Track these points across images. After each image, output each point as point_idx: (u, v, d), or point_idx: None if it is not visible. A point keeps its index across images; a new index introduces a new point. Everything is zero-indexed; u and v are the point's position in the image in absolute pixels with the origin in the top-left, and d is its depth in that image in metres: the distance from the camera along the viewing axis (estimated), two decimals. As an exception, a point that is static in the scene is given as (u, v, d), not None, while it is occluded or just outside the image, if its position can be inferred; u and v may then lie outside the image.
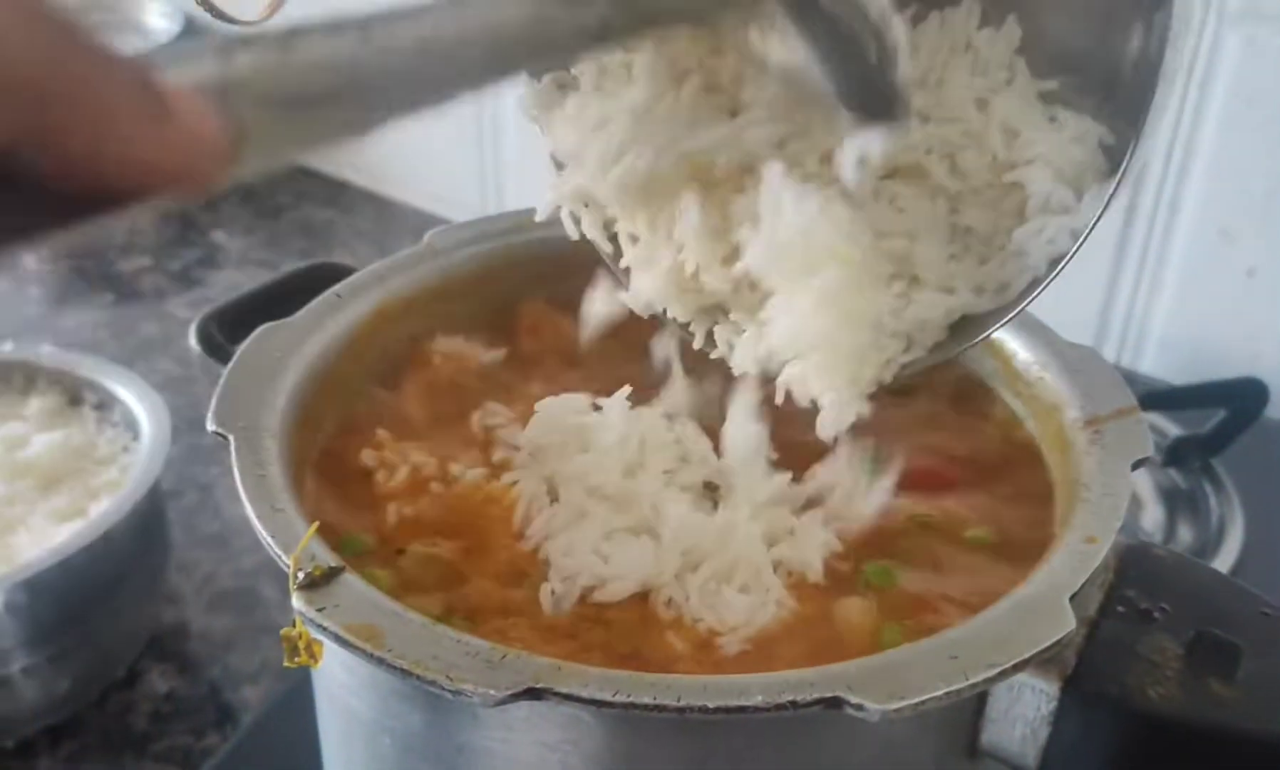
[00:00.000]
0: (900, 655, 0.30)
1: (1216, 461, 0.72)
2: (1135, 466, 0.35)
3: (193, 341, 0.42)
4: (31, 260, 1.19)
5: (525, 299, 0.46)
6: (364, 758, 0.36)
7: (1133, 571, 0.34)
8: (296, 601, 0.30)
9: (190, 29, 1.32)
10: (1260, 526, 0.68)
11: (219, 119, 0.25)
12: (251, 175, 0.26)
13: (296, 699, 0.40)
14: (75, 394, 0.76)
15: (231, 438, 0.35)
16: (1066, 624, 0.30)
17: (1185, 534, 0.69)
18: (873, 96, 0.34)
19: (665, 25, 0.34)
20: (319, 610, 0.30)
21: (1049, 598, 0.31)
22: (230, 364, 0.38)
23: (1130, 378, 0.82)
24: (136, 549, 0.66)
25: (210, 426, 0.35)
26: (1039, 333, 0.42)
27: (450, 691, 0.28)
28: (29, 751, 0.64)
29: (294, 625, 0.31)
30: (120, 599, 0.65)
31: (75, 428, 0.74)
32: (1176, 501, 0.71)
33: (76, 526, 0.63)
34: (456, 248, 0.46)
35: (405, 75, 0.28)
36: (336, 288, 0.42)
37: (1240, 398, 0.71)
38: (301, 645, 0.31)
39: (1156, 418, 0.75)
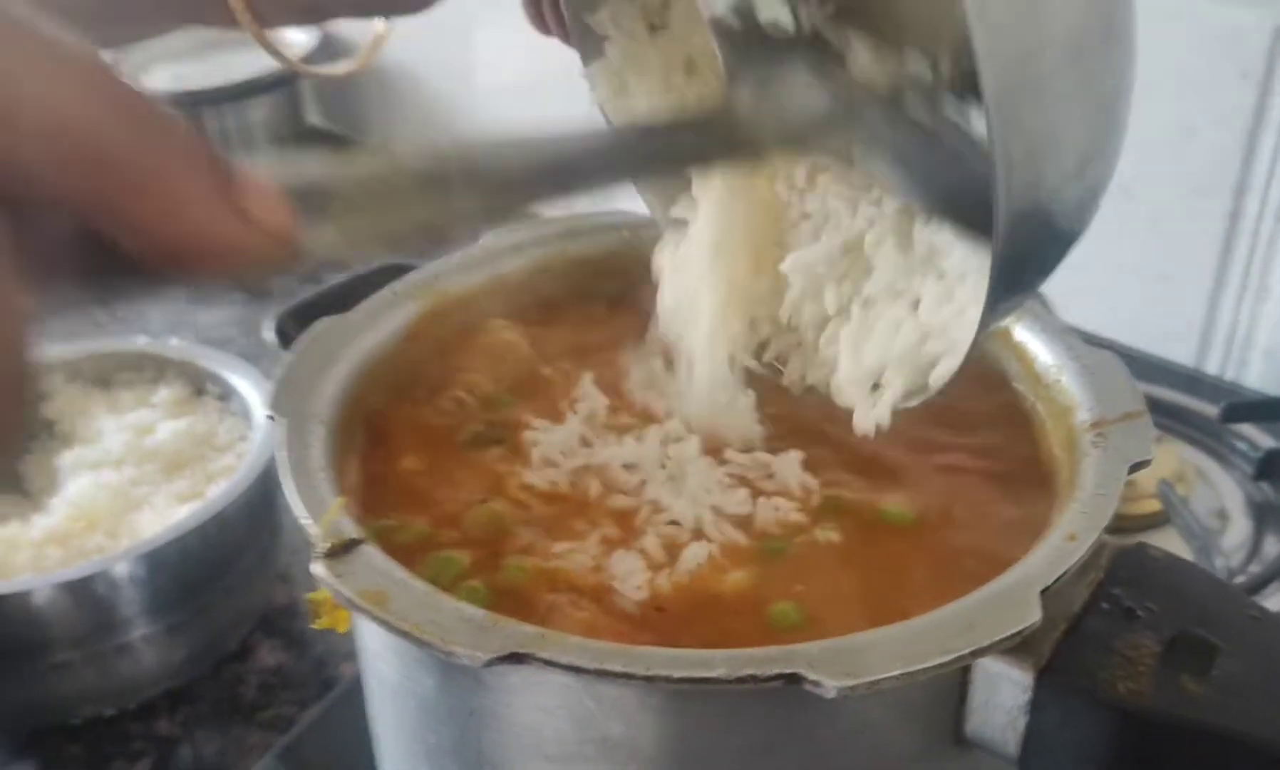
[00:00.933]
0: (865, 638, 0.31)
1: (1312, 476, 0.70)
2: (1133, 469, 0.36)
3: (270, 335, 0.46)
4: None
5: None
6: (394, 719, 0.39)
7: (1124, 572, 0.35)
8: (315, 567, 0.33)
9: (327, 43, 1.40)
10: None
11: (287, 207, 0.28)
12: (323, 259, 0.31)
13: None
14: (199, 385, 0.82)
15: (279, 423, 0.39)
16: (1032, 615, 0.31)
17: (1272, 548, 0.67)
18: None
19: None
20: (336, 576, 0.33)
21: (1019, 590, 0.32)
22: (288, 355, 0.42)
23: (1234, 390, 0.81)
24: (248, 529, 0.72)
25: (267, 410, 0.39)
26: (1061, 337, 0.42)
27: (443, 652, 0.31)
28: (149, 714, 0.70)
29: (319, 589, 0.35)
30: (233, 576, 0.71)
31: (198, 416, 0.80)
32: (1266, 515, 0.70)
33: (194, 507, 0.69)
34: (510, 250, 0.49)
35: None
36: (393, 285, 0.46)
37: (1335, 410, 0.69)
38: (325, 609, 0.35)
39: (1247, 429, 0.74)
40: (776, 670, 0.30)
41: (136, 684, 0.69)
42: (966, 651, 0.30)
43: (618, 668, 0.30)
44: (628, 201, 0.44)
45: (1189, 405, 0.76)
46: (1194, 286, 0.85)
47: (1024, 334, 0.44)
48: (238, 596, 0.72)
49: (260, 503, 0.73)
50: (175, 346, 0.83)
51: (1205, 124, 0.80)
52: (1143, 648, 0.33)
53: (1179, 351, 0.87)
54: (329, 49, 1.41)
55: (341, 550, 0.34)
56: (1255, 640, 0.33)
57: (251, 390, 0.77)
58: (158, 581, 0.66)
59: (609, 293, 0.49)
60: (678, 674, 0.30)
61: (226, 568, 0.70)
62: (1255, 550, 0.67)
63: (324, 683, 0.72)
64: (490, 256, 0.49)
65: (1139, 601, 0.34)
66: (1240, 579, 0.64)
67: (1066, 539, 0.34)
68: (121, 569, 0.64)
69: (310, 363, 0.42)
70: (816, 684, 0.30)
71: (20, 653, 0.64)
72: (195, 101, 1.34)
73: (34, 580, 0.64)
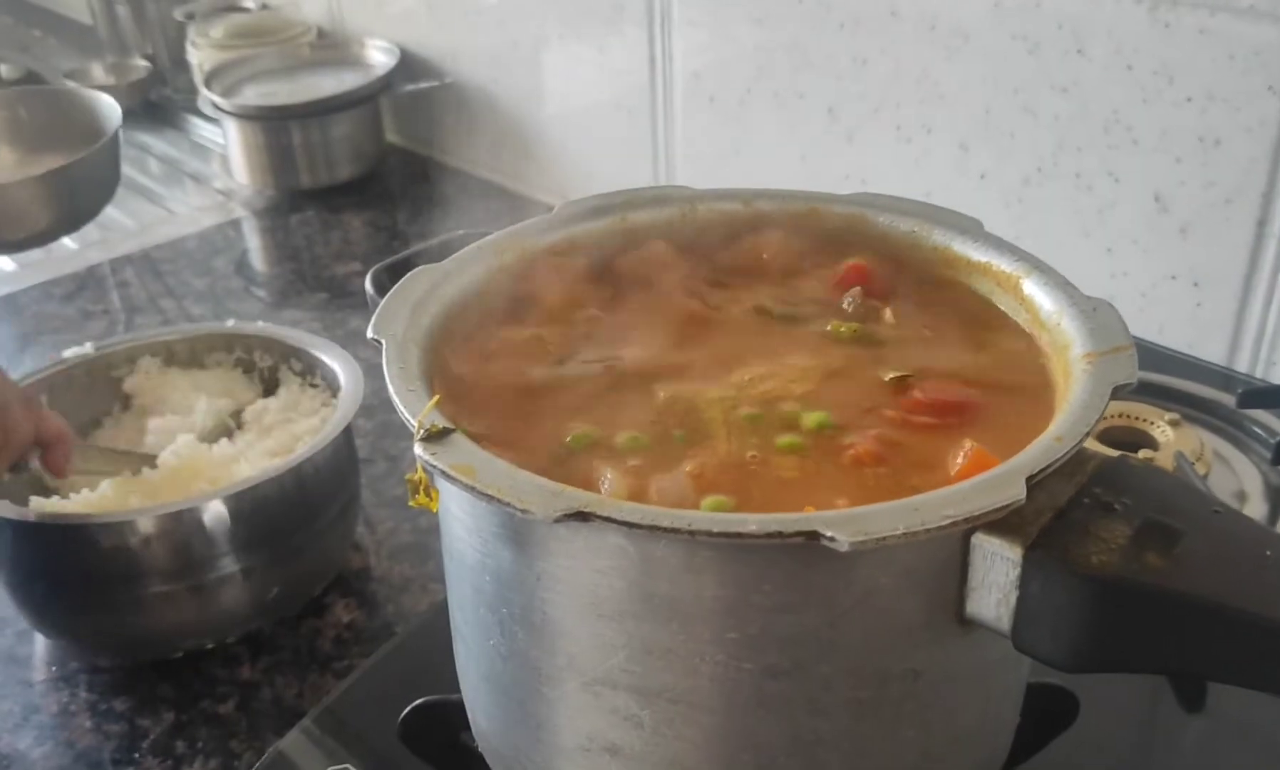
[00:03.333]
0: (875, 508, 0.37)
1: (1327, 462, 0.74)
2: (1117, 391, 0.41)
3: (368, 285, 0.53)
4: (260, 263, 1.36)
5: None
6: (473, 597, 0.45)
7: (1107, 476, 0.40)
8: (417, 449, 0.40)
9: (405, 62, 1.48)
10: (1360, 521, 0.70)
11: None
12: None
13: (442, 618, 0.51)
14: (284, 361, 0.89)
15: (385, 341, 0.46)
16: (1018, 493, 0.37)
17: (1285, 526, 0.72)
18: None
19: None
20: (432, 454, 0.39)
21: (1010, 476, 0.38)
22: (389, 293, 0.49)
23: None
24: (331, 483, 0.79)
25: (370, 334, 0.46)
26: (1063, 288, 0.48)
27: (519, 510, 0.37)
28: (234, 662, 0.77)
29: (416, 472, 0.41)
30: (318, 524, 0.78)
31: (284, 388, 0.88)
32: (1282, 498, 0.74)
33: (283, 459, 0.76)
34: (582, 216, 0.56)
35: None
36: (479, 242, 0.52)
37: (1348, 398, 0.73)
38: (421, 487, 0.41)
39: (1268, 418, 0.78)
40: (799, 529, 0.36)
41: (227, 620, 0.76)
42: (960, 518, 0.36)
43: (665, 524, 0.36)
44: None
45: (1211, 396, 0.81)
46: (1224, 291, 0.89)
47: (1031, 288, 0.49)
48: (321, 544, 0.79)
49: (344, 459, 0.80)
50: (261, 326, 0.91)
51: (1233, 135, 0.85)
52: (1116, 531, 0.38)
53: (1211, 351, 0.91)
54: (408, 69, 1.49)
55: (437, 436, 0.40)
56: (1214, 527, 0.38)
57: (333, 363, 0.84)
58: (248, 522, 0.73)
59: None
60: (716, 529, 0.36)
61: (312, 517, 0.77)
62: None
63: (392, 639, 0.79)
64: (564, 221, 0.55)
65: (1116, 498, 0.39)
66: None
67: (1054, 440, 0.39)
68: (215, 507, 0.71)
69: (406, 299, 0.49)
70: (833, 539, 0.35)
71: (119, 582, 0.71)
72: (282, 117, 1.43)
73: (133, 512, 0.71)
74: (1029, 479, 0.38)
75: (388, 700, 0.60)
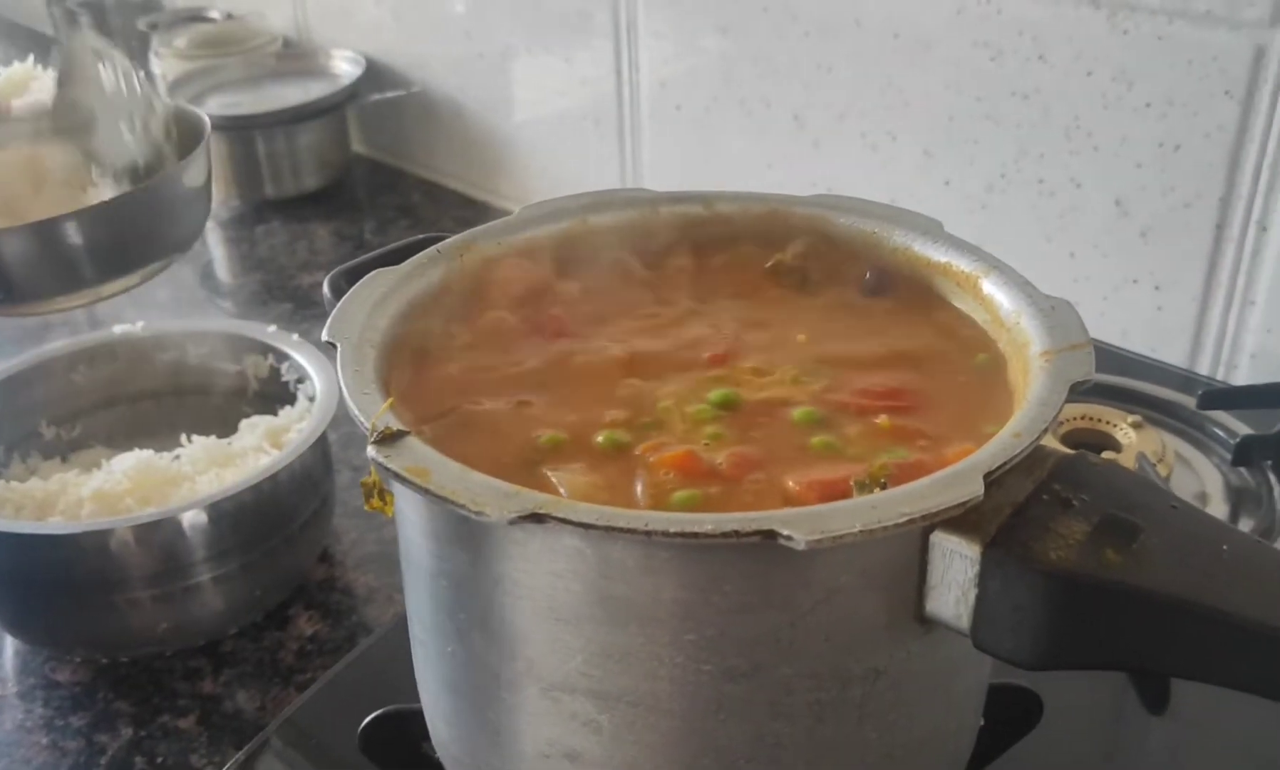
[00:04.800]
0: (833, 506, 0.37)
1: (1289, 462, 0.75)
2: (1074, 387, 0.41)
3: (326, 289, 0.52)
4: (225, 274, 1.35)
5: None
6: (430, 603, 0.45)
7: (1066, 473, 0.40)
8: (370, 451, 0.39)
9: (371, 71, 1.48)
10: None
11: None
12: None
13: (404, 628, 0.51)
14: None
15: (339, 345, 0.45)
16: (975, 490, 0.37)
17: (1245, 528, 0.72)
18: None
19: None
20: (386, 457, 0.39)
21: (967, 473, 0.38)
22: (345, 296, 0.48)
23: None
24: (301, 493, 0.79)
25: (324, 337, 0.46)
26: (1022, 288, 0.48)
27: (474, 512, 0.37)
28: (194, 675, 0.76)
29: (371, 475, 0.41)
30: (288, 530, 0.78)
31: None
32: (1243, 498, 0.74)
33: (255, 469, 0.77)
34: (542, 218, 0.55)
35: None
36: (437, 245, 0.52)
37: (1306, 399, 0.73)
38: (375, 491, 0.41)
39: (1228, 419, 0.78)
40: (755, 528, 0.35)
41: (195, 626, 0.76)
42: (918, 515, 0.36)
43: (621, 524, 0.36)
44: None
45: (1173, 398, 0.81)
46: (1184, 294, 0.90)
47: (991, 287, 0.49)
48: (293, 549, 0.79)
49: (317, 466, 0.80)
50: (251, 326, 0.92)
51: (1192, 140, 0.86)
52: (1074, 527, 0.38)
53: (1172, 354, 0.92)
54: (375, 79, 1.49)
55: (391, 438, 0.40)
56: (1172, 523, 0.38)
57: (307, 364, 0.85)
58: (218, 530, 0.73)
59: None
60: (673, 529, 0.36)
61: (282, 525, 0.77)
62: (1231, 528, 0.72)
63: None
64: (524, 223, 0.55)
65: (1075, 494, 0.39)
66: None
67: (1013, 436, 0.39)
68: (186, 517, 0.71)
69: (363, 302, 0.48)
70: (789, 538, 0.35)
71: (93, 588, 0.72)
72: (247, 127, 1.42)
73: (110, 521, 0.71)
74: (987, 476, 0.37)
75: (349, 711, 0.59)
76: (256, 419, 0.85)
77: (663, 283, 0.53)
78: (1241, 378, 0.89)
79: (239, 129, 1.42)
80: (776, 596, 0.38)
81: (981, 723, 0.54)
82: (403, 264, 0.50)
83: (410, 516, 0.43)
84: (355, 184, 1.50)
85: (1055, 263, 0.95)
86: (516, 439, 0.44)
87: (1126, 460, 0.72)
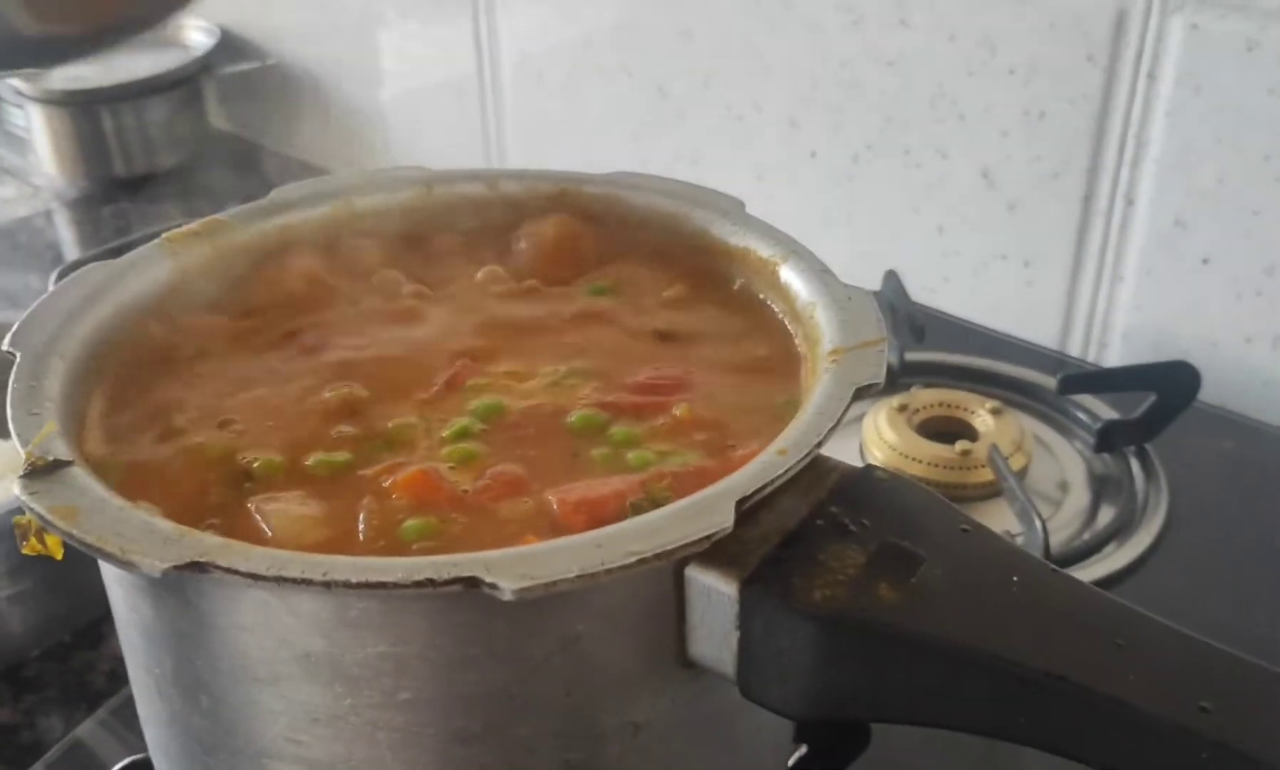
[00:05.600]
0: (552, 545, 0.31)
1: (1151, 447, 0.71)
2: (861, 391, 0.36)
3: (51, 286, 0.45)
4: (72, 257, 1.26)
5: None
6: (130, 655, 0.38)
7: (848, 492, 0.35)
8: (15, 487, 0.32)
9: (226, 42, 1.40)
10: (1182, 510, 0.67)
11: None
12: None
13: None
14: None
15: (19, 354, 0.38)
16: (724, 521, 0.31)
17: (1106, 516, 0.68)
18: None
19: None
20: (30, 494, 0.32)
21: (718, 500, 0.32)
22: (42, 296, 0.41)
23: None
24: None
25: (4, 346, 0.39)
26: (820, 276, 0.42)
27: (121, 562, 0.30)
28: (-10, 705, 0.68)
29: (26, 514, 0.34)
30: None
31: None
32: (1105, 486, 0.70)
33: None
34: (299, 202, 0.49)
35: None
36: (167, 233, 0.45)
37: (1168, 381, 0.69)
38: (33, 531, 0.34)
39: (1091, 402, 0.74)
40: (453, 574, 0.30)
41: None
42: (650, 554, 0.30)
43: (295, 574, 0.30)
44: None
45: (1036, 380, 0.77)
46: (1053, 271, 0.86)
47: (788, 275, 0.44)
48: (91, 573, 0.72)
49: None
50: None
51: (1057, 108, 0.81)
52: (848, 559, 0.33)
53: (1043, 333, 0.88)
54: (230, 50, 1.40)
55: (44, 470, 0.33)
56: (959, 551, 0.33)
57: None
58: (8, 545, 0.65)
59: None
60: (355, 579, 0.30)
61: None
62: (1091, 516, 0.68)
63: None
64: (277, 208, 0.48)
65: (855, 518, 0.34)
66: (1074, 545, 0.65)
67: (777, 453, 0.34)
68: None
69: (66, 303, 0.41)
70: (494, 587, 0.29)
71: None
72: (91, 101, 1.32)
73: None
74: (740, 503, 0.32)
75: (106, 759, 0.52)
76: None
77: (426, 276, 0.47)
78: (1113, 357, 0.85)
79: (83, 104, 1.32)
80: (500, 648, 0.32)
81: (803, 750, 0.49)
82: (120, 259, 0.44)
83: (106, 567, 0.37)
84: (213, 161, 1.42)
85: (924, 237, 0.91)
86: (225, 465, 0.38)
87: (981, 451, 0.67)
